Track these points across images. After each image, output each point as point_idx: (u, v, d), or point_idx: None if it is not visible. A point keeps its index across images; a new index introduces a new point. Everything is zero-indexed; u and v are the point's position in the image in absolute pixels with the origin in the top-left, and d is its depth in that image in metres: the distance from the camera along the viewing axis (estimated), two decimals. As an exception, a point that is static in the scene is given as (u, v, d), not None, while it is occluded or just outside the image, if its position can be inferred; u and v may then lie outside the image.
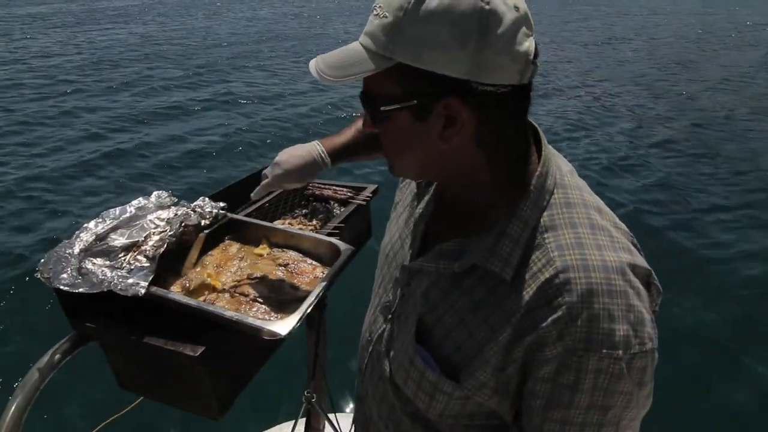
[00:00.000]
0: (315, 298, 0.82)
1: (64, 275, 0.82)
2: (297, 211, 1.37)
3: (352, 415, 0.94)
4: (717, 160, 5.63)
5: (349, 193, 1.39)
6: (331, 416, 1.30)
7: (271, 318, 0.81)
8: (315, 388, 1.29)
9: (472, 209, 0.61)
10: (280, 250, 1.01)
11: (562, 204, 0.56)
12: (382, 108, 0.54)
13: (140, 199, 1.03)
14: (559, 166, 0.60)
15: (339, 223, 1.21)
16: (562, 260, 0.52)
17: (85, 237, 0.88)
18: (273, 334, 0.73)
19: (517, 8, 0.50)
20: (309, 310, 0.80)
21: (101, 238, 0.90)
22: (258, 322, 0.75)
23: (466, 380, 0.58)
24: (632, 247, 0.56)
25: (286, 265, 0.95)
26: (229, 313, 0.76)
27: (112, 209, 0.96)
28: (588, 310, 0.50)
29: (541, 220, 0.55)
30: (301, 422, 1.40)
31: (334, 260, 0.95)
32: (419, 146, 0.56)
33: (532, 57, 0.52)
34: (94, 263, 0.85)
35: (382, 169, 5.12)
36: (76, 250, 0.85)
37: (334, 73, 0.55)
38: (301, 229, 1.15)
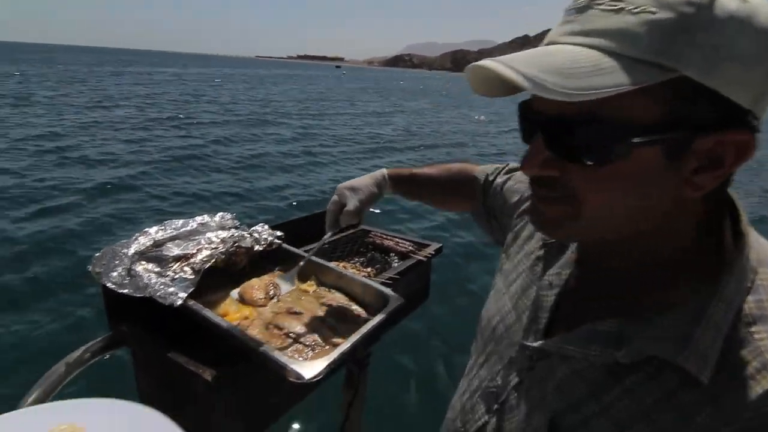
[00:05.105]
0: (350, 346, 0.74)
1: (114, 273, 0.82)
2: (355, 258, 1.32)
3: None
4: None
5: (410, 247, 1.33)
6: None
7: (301, 358, 0.74)
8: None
9: (637, 282, 0.47)
10: (326, 290, 0.95)
11: None
12: (635, 140, 0.38)
13: (205, 216, 1.04)
14: (756, 239, 0.46)
15: (394, 274, 1.14)
16: None
17: (143, 240, 0.89)
18: (297, 375, 0.66)
19: None
20: (341, 358, 0.72)
21: (159, 244, 0.90)
22: (284, 359, 0.68)
23: None
24: None
25: (329, 306, 0.89)
26: (255, 343, 0.70)
27: (175, 219, 0.98)
28: None
29: (745, 306, 0.42)
30: None
31: (381, 310, 0.88)
32: (647, 195, 0.41)
33: None
34: (145, 267, 0.84)
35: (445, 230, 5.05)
36: (131, 251, 0.86)
37: (565, 83, 0.36)
38: (353, 273, 1.09)
